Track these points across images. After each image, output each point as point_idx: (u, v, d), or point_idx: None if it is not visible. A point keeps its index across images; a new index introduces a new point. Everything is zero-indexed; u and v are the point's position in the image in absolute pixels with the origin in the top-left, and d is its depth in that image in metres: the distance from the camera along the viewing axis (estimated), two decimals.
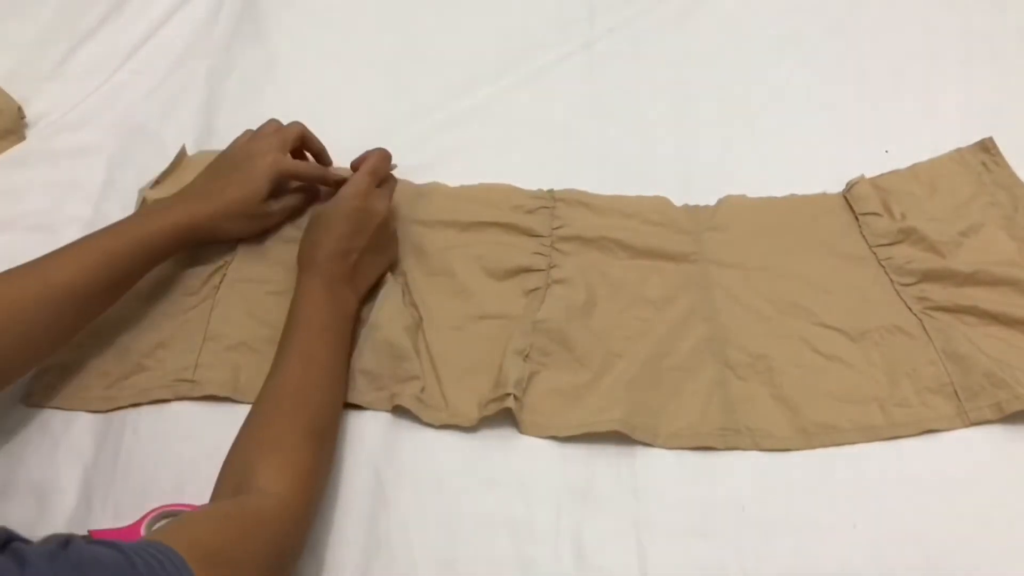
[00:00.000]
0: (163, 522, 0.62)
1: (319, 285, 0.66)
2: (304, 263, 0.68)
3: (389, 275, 0.74)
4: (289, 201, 0.77)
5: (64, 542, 0.41)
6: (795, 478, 0.63)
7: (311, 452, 0.59)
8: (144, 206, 0.77)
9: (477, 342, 0.70)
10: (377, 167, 0.72)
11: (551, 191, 0.80)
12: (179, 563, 0.44)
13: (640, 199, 0.79)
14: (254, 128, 0.78)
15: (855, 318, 0.70)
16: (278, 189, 0.75)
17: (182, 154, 0.84)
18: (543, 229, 0.76)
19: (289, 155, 0.75)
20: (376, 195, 0.71)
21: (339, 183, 0.78)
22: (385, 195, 0.72)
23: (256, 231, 0.76)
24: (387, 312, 0.71)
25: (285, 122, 0.79)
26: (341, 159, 0.84)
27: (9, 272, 0.63)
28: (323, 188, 0.79)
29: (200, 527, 0.50)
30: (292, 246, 0.77)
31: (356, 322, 0.70)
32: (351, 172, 0.77)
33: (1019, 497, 0.61)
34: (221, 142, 0.86)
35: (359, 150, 0.84)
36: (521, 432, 0.65)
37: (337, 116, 0.90)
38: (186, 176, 0.82)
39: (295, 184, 0.78)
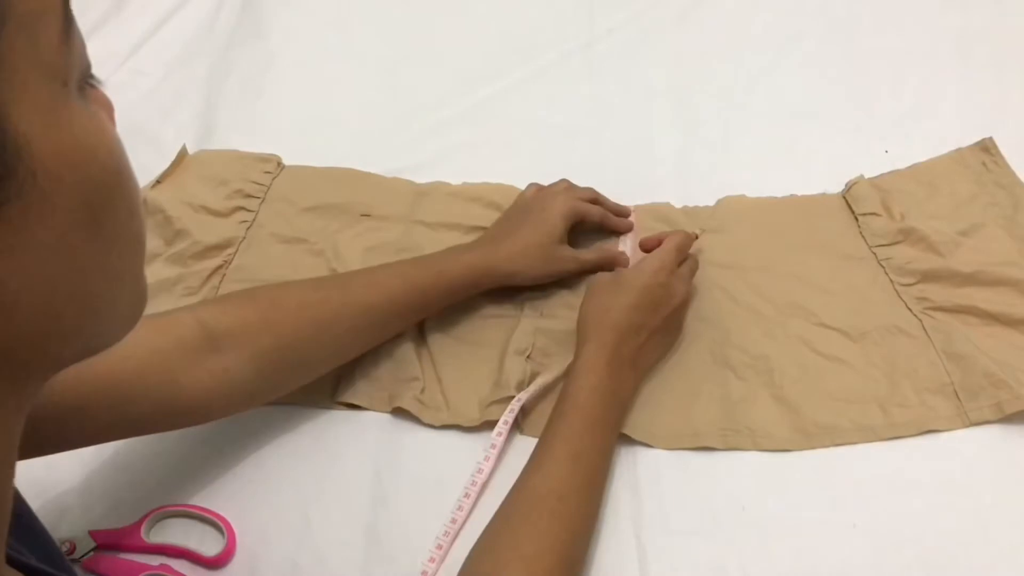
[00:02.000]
0: (162, 522, 0.62)
1: (603, 361, 0.60)
2: (589, 330, 0.62)
3: None
4: (585, 254, 0.73)
5: None
6: (795, 478, 0.62)
7: None
8: (447, 248, 0.72)
9: (478, 342, 0.70)
10: (682, 245, 0.68)
11: None
12: None
13: (641, 207, 0.79)
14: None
15: (855, 318, 0.70)
16: (571, 236, 0.73)
17: (182, 153, 0.84)
18: None
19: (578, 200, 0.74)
20: (679, 275, 0.66)
21: (620, 221, 0.76)
22: (687, 277, 0.68)
23: (552, 274, 0.71)
24: None
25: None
26: (342, 159, 0.84)
27: (315, 281, 0.65)
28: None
29: None
30: (291, 246, 0.77)
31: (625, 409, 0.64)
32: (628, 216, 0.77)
33: (1019, 497, 0.61)
34: (221, 142, 0.87)
35: (358, 149, 0.85)
36: (521, 433, 0.65)
37: (337, 116, 0.90)
38: (187, 176, 0.83)
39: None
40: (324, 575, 0.59)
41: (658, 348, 0.67)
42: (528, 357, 0.68)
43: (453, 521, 0.60)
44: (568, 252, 0.72)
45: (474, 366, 0.68)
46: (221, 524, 0.60)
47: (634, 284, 0.63)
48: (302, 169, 0.84)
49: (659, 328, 0.65)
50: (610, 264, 0.72)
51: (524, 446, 0.65)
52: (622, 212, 0.77)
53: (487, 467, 0.62)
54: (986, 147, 0.80)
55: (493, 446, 0.63)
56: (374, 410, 0.67)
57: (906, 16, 0.95)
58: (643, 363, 0.65)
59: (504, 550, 0.53)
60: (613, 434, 0.61)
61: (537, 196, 0.74)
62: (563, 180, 0.76)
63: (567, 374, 0.62)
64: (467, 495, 0.61)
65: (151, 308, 0.76)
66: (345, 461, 0.64)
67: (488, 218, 0.77)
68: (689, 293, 0.68)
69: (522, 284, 0.71)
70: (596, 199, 0.76)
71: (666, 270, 0.65)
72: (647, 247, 0.70)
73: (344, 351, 0.65)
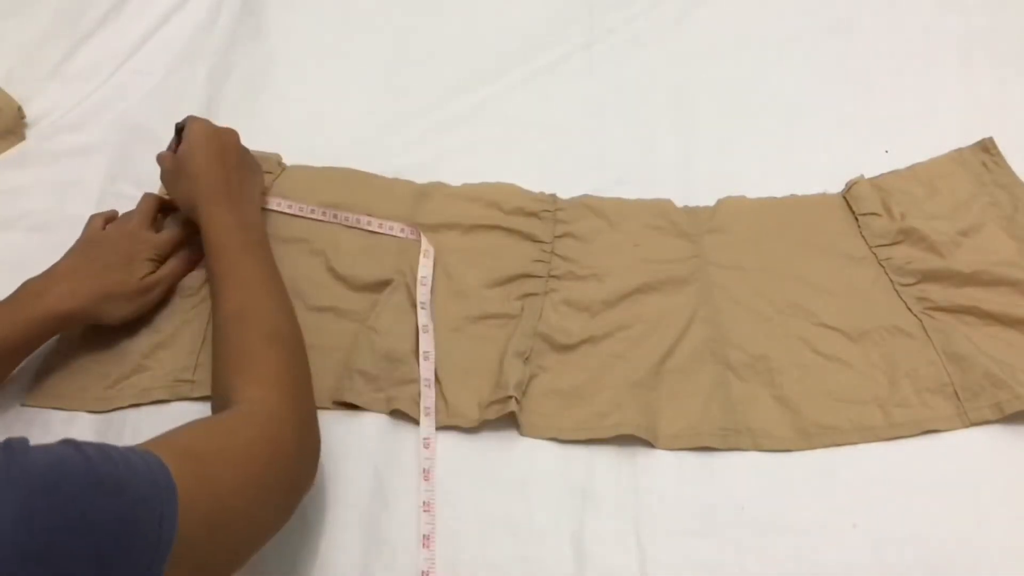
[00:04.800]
0: None
1: (220, 210, 0.68)
2: (193, 203, 0.69)
3: (397, 276, 0.74)
4: (169, 268, 0.73)
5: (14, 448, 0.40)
6: (795, 478, 0.63)
7: (277, 355, 0.59)
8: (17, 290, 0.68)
9: (476, 343, 0.70)
10: (200, 118, 0.75)
11: (554, 195, 0.79)
12: (154, 461, 0.44)
13: (641, 202, 0.79)
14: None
15: (855, 318, 0.70)
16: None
17: None
18: (545, 234, 0.76)
19: (152, 231, 0.74)
20: (219, 126, 0.74)
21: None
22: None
23: (140, 311, 0.71)
24: (388, 317, 0.71)
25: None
26: (341, 159, 0.84)
27: None
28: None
29: (182, 432, 0.51)
30: (291, 246, 0.77)
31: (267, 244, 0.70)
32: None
33: (1019, 497, 0.61)
34: None
35: (358, 149, 0.85)
36: (521, 434, 0.65)
37: (337, 116, 0.90)
38: None
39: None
40: (323, 574, 0.59)
41: (252, 182, 0.74)
42: (527, 360, 0.68)
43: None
44: (152, 281, 0.71)
45: (473, 367, 0.68)
46: None
47: (195, 146, 0.71)
48: (303, 169, 0.84)
49: (238, 164, 0.73)
50: (188, 266, 0.75)
51: (521, 446, 0.65)
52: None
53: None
54: (986, 147, 0.80)
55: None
56: (373, 411, 0.67)
57: (906, 16, 0.95)
58: (248, 194, 0.73)
59: (221, 361, 0.60)
60: (264, 254, 0.68)
61: (116, 237, 0.72)
62: (136, 210, 0.75)
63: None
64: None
65: (153, 309, 0.75)
66: (345, 461, 0.64)
67: (488, 218, 0.77)
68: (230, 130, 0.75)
69: (109, 323, 0.70)
70: (161, 206, 0.76)
71: (205, 125, 0.73)
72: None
73: None
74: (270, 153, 0.84)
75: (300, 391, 0.59)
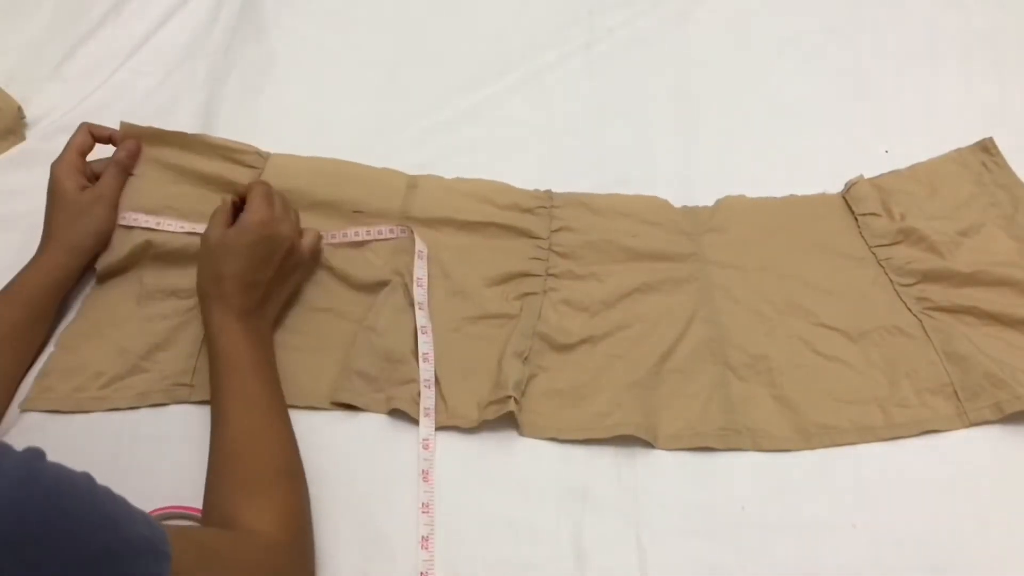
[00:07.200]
0: (162, 523, 0.62)
1: (233, 322, 0.64)
2: (210, 296, 0.65)
3: (395, 276, 0.73)
4: (106, 181, 0.75)
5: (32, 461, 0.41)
6: (795, 478, 0.63)
7: (287, 488, 0.59)
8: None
9: (475, 343, 0.70)
10: (268, 193, 0.68)
11: (549, 191, 0.79)
12: (159, 531, 0.44)
13: (638, 199, 0.79)
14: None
15: (855, 318, 0.70)
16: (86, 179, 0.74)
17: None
18: (541, 231, 0.76)
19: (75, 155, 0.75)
20: (281, 220, 0.68)
21: (111, 137, 0.78)
22: (289, 217, 0.69)
23: (98, 225, 0.73)
24: (387, 316, 0.71)
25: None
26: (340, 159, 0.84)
27: None
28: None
29: (195, 529, 0.51)
30: None
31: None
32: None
33: (1019, 497, 0.61)
34: None
35: (358, 149, 0.84)
36: (521, 434, 0.65)
37: (337, 116, 0.90)
38: (168, 176, 0.81)
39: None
40: (323, 574, 0.59)
41: (280, 293, 0.70)
42: (526, 359, 0.68)
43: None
44: (93, 195, 0.73)
45: (472, 367, 0.68)
46: None
47: (240, 245, 0.65)
48: (289, 159, 0.81)
49: (275, 277, 0.67)
50: (123, 173, 0.76)
51: (520, 446, 0.65)
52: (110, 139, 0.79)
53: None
54: (986, 147, 0.80)
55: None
56: (372, 411, 0.67)
57: (906, 16, 0.95)
58: (271, 308, 0.69)
59: (228, 480, 0.57)
60: (272, 375, 0.65)
61: (52, 185, 0.74)
62: (67, 145, 0.76)
63: (206, 338, 0.65)
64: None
65: (151, 310, 0.75)
66: (344, 462, 0.64)
67: (483, 213, 0.77)
68: (294, 230, 0.70)
69: (94, 247, 0.73)
70: (94, 135, 0.77)
71: (266, 222, 0.66)
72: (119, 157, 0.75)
73: None
74: (245, 145, 0.81)
75: (306, 526, 0.59)
